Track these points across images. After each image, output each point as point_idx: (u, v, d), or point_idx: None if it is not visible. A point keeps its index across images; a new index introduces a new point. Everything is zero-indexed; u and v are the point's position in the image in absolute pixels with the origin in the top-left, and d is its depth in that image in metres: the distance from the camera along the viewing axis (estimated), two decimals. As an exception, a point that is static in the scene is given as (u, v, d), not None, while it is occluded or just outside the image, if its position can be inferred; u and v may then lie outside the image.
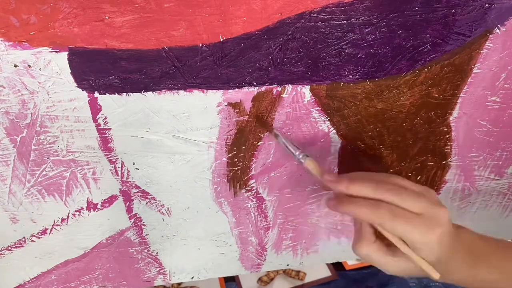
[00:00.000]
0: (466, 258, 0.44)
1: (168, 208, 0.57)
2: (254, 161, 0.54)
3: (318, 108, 0.50)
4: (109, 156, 0.51)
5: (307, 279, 0.88)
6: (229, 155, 0.53)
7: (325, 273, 0.90)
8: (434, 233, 0.40)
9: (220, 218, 0.59)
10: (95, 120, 0.47)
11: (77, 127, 0.48)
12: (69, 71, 0.43)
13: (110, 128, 0.48)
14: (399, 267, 0.43)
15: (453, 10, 0.44)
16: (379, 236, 0.44)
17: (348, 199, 0.42)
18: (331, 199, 0.45)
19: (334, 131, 0.53)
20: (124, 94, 0.46)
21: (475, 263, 0.44)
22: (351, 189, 0.42)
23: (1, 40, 0.40)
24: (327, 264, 0.92)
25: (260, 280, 0.87)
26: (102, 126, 0.48)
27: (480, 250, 0.45)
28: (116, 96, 0.46)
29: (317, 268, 0.90)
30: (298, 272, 0.89)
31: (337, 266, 0.91)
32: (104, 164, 0.51)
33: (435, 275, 0.42)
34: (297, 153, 0.48)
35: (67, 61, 0.43)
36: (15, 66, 0.42)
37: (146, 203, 0.56)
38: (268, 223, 0.61)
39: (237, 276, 0.88)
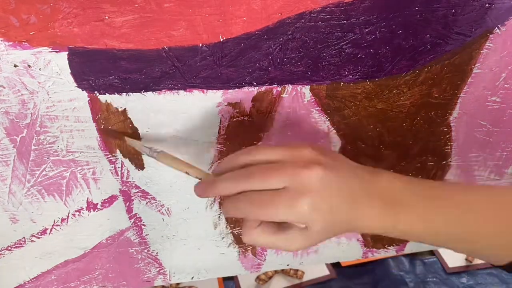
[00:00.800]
0: (382, 206, 0.38)
1: (168, 208, 0.57)
2: (254, 161, 0.54)
3: (318, 108, 0.50)
4: (109, 156, 0.51)
5: (305, 278, 0.88)
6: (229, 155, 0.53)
7: (324, 271, 0.90)
8: (302, 202, 0.35)
9: (220, 218, 0.59)
10: (95, 120, 0.47)
11: (77, 127, 0.48)
12: (69, 71, 0.43)
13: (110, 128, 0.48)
14: (295, 241, 0.38)
15: (453, 10, 0.44)
16: None
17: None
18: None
19: (334, 131, 0.53)
20: (124, 94, 0.46)
21: (394, 212, 0.38)
22: (215, 192, 0.40)
23: (1, 40, 0.40)
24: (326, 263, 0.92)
25: (258, 278, 0.87)
26: (102, 126, 0.48)
27: (400, 198, 0.38)
28: (116, 96, 0.46)
29: (316, 267, 0.90)
30: (296, 270, 0.89)
31: (333, 263, 0.91)
32: (104, 164, 0.51)
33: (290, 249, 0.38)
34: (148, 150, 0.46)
35: (67, 61, 0.43)
36: (15, 66, 0.42)
37: (146, 203, 0.56)
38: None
39: (235, 275, 0.88)
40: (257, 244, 0.39)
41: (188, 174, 0.43)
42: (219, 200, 0.57)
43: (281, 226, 0.38)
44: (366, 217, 0.38)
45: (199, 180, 0.43)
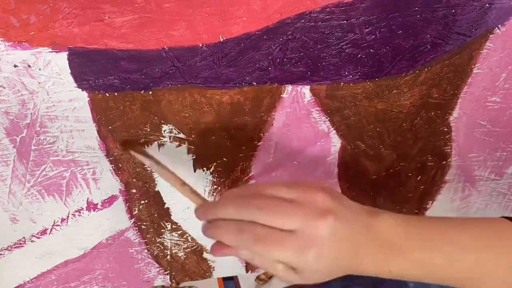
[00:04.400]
0: (380, 253, 0.38)
1: (168, 208, 0.57)
2: (254, 161, 0.54)
3: (318, 108, 0.50)
4: (109, 156, 0.51)
5: (307, 279, 0.88)
6: (229, 155, 0.53)
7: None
8: (310, 253, 0.35)
9: (220, 218, 0.60)
10: (95, 120, 0.47)
11: (77, 127, 0.48)
12: (69, 71, 0.43)
13: (110, 128, 0.48)
14: (289, 277, 0.38)
15: (453, 10, 0.44)
16: None
17: (212, 224, 0.38)
18: (203, 225, 0.40)
19: (334, 131, 0.53)
20: (124, 94, 0.46)
21: (392, 257, 0.39)
22: (215, 213, 0.39)
23: (1, 40, 0.40)
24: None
25: (258, 278, 0.87)
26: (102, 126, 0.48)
27: (397, 244, 0.39)
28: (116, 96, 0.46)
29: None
30: (297, 271, 0.89)
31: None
32: (104, 164, 0.51)
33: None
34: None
35: (67, 61, 0.43)
36: (15, 66, 0.42)
37: (146, 203, 0.56)
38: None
39: (235, 275, 0.88)
40: (254, 264, 0.40)
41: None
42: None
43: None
44: (365, 263, 0.38)
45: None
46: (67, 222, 0.56)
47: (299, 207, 0.36)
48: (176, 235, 0.60)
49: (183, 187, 0.44)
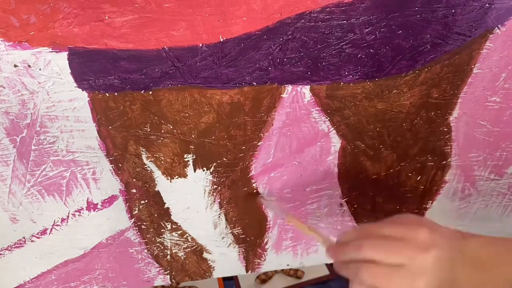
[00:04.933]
0: (472, 274, 0.44)
1: (168, 208, 0.57)
2: (254, 161, 0.54)
3: (318, 108, 0.50)
4: (109, 156, 0.51)
5: (305, 278, 0.88)
6: (229, 155, 0.53)
7: (324, 271, 0.90)
8: (419, 282, 0.41)
9: (220, 218, 0.59)
10: (95, 120, 0.47)
11: (77, 127, 0.48)
12: (69, 71, 0.43)
13: (110, 128, 0.48)
14: None
15: (453, 10, 0.44)
16: None
17: (339, 264, 0.47)
18: (334, 262, 0.49)
19: (334, 131, 0.53)
20: (124, 94, 0.46)
21: (483, 274, 0.45)
22: (339, 256, 0.47)
23: (1, 40, 0.40)
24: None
25: (258, 278, 0.87)
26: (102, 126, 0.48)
27: (487, 263, 0.45)
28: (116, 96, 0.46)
29: (316, 267, 0.90)
30: (296, 270, 0.89)
31: (333, 263, 0.91)
32: (104, 164, 0.51)
33: None
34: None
35: (67, 61, 0.43)
36: (15, 66, 0.42)
37: (146, 203, 0.56)
38: (268, 223, 0.61)
39: (235, 275, 0.88)
40: None
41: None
42: (219, 200, 0.57)
43: None
44: (461, 283, 0.44)
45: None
46: (67, 222, 0.56)
47: (407, 245, 0.43)
48: (176, 235, 0.60)
49: (310, 231, 0.51)
